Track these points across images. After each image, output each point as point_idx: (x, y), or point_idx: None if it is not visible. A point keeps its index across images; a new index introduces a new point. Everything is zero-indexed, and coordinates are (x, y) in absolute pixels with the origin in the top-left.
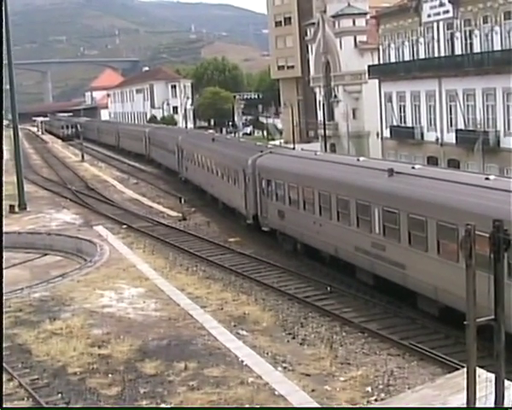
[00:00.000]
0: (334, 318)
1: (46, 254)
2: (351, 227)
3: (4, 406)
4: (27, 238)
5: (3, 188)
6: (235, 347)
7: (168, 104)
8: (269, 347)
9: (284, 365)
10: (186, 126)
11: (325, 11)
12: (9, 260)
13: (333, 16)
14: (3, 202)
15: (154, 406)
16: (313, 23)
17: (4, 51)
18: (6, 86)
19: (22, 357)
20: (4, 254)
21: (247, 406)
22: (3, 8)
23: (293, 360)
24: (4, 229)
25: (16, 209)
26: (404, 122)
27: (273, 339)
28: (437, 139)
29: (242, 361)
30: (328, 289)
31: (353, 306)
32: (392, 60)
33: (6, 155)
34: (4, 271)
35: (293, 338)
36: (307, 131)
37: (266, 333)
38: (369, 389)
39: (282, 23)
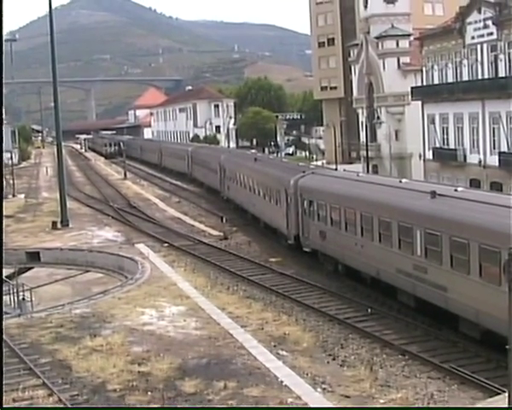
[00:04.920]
0: (374, 339)
1: (88, 271)
2: (392, 249)
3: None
4: (69, 255)
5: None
6: (274, 367)
7: (211, 123)
8: (309, 367)
9: (324, 386)
10: (228, 146)
11: (369, 32)
12: (52, 276)
13: (376, 37)
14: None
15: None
16: (357, 44)
17: (50, 69)
18: (50, 104)
19: (62, 373)
20: (47, 269)
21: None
22: (50, 23)
23: (332, 381)
24: (47, 245)
25: (59, 226)
26: (447, 144)
27: (313, 360)
28: (480, 162)
29: (282, 382)
30: (369, 310)
31: (394, 328)
32: (436, 81)
33: (50, 171)
34: (46, 286)
35: (334, 359)
36: (349, 152)
37: (306, 354)
38: None
39: (326, 44)
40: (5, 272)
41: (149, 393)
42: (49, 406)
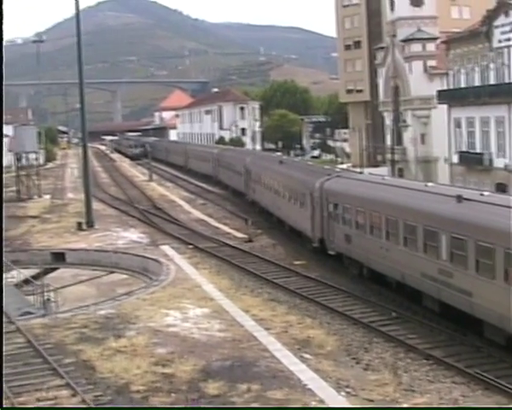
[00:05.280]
0: (398, 344)
1: (112, 272)
2: (417, 253)
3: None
4: (94, 256)
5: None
6: (298, 370)
7: (236, 126)
8: (332, 371)
9: (347, 389)
10: (254, 148)
11: (395, 35)
12: (76, 277)
13: (403, 41)
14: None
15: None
16: (383, 47)
17: (76, 70)
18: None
19: (86, 373)
20: (72, 270)
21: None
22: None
23: (356, 385)
24: (72, 246)
25: (84, 227)
26: (473, 148)
27: (337, 363)
28: (506, 166)
29: (305, 385)
30: (394, 314)
31: (418, 332)
32: (462, 85)
33: (75, 172)
34: (71, 287)
35: (357, 363)
36: (375, 156)
37: (330, 357)
38: None
39: (352, 47)
40: (30, 272)
41: (173, 394)
42: (71, 406)
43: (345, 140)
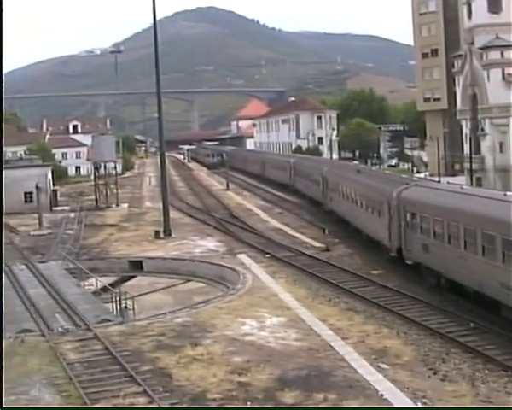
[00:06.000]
0: (476, 355)
1: (189, 281)
2: (496, 263)
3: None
4: (171, 264)
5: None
6: (375, 380)
7: (313, 135)
8: (409, 381)
9: (424, 400)
10: (331, 157)
11: (473, 43)
12: (153, 285)
13: (480, 48)
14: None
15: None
16: (460, 55)
17: (154, 80)
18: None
19: (163, 381)
20: (149, 278)
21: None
22: (155, 35)
23: (433, 395)
24: (149, 254)
25: (161, 235)
26: None
27: (414, 374)
28: None
29: (382, 395)
30: (471, 325)
31: (497, 343)
32: None
33: (153, 181)
34: (148, 295)
35: (435, 374)
36: (453, 165)
37: (407, 367)
38: None
39: (429, 55)
40: (108, 280)
41: (249, 403)
42: None
43: (422, 149)
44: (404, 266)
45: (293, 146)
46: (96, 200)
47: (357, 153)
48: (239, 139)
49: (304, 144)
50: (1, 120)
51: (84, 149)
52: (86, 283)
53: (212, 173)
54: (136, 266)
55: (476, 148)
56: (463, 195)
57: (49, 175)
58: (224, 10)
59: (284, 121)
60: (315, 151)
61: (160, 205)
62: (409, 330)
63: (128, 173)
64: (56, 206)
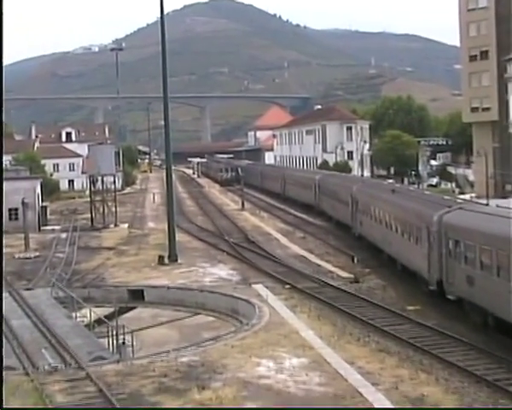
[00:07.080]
0: None
1: (197, 314)
2: None
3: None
4: (177, 294)
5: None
6: None
7: (342, 148)
8: None
9: None
10: (362, 175)
11: None
12: (156, 318)
13: None
14: None
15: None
16: None
17: (160, 83)
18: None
19: None
20: (151, 310)
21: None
22: (162, 31)
23: None
24: (152, 282)
25: (166, 261)
26: None
27: None
28: None
29: None
30: None
31: None
32: None
33: (157, 198)
34: (150, 329)
35: None
36: (503, 185)
37: None
38: None
39: (478, 57)
40: (104, 311)
41: None
42: None
43: (468, 166)
44: (446, 302)
45: (319, 161)
46: (92, 219)
47: (392, 170)
48: (256, 152)
49: (331, 159)
50: (1, 127)
51: (78, 161)
52: (78, 314)
53: (226, 191)
54: (137, 295)
55: None
56: None
57: (38, 189)
58: (242, 3)
59: (309, 132)
60: (344, 167)
61: (165, 226)
62: (450, 376)
63: (129, 189)
64: (46, 225)
